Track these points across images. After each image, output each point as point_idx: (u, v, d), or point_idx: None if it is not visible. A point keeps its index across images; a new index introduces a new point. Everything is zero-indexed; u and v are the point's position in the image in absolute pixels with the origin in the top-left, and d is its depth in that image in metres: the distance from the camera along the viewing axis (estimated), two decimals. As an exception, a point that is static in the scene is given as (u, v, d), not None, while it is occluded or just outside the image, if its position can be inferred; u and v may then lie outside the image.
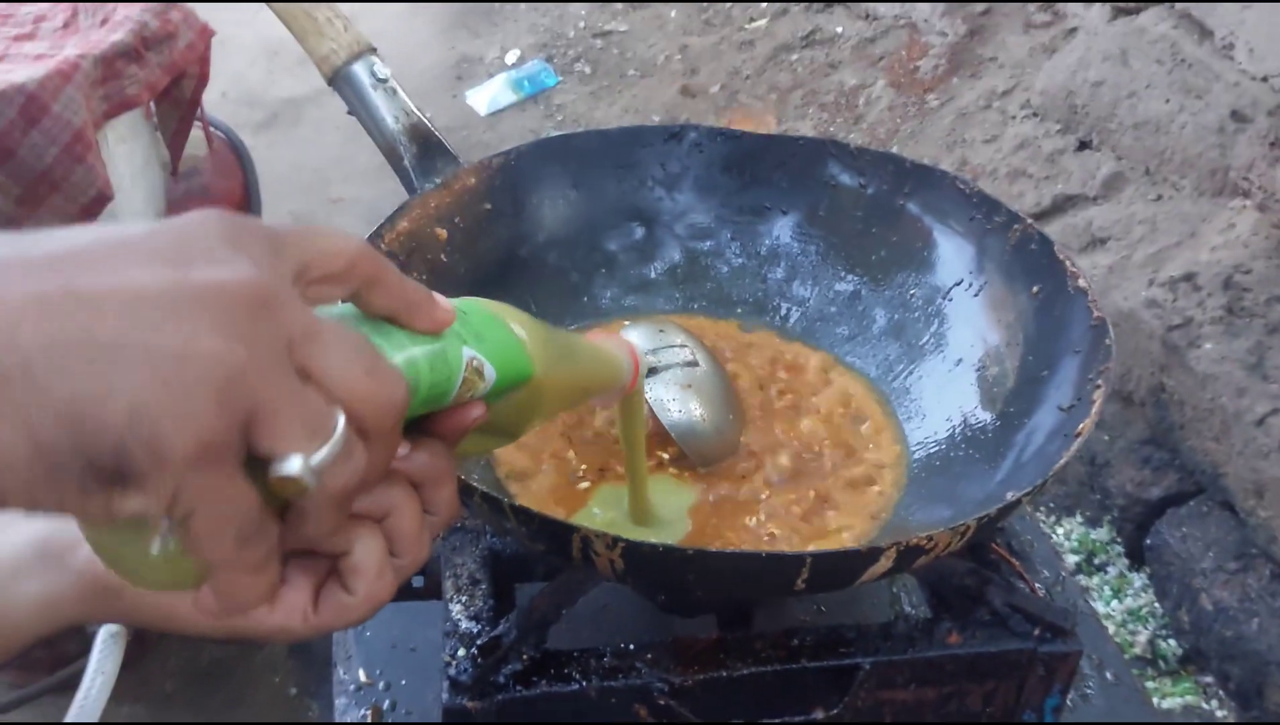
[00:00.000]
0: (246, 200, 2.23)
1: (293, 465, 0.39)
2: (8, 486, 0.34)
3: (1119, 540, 2.05)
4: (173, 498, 0.36)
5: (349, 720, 1.05)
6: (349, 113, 1.02)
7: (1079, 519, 2.09)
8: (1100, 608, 1.99)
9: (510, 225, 1.05)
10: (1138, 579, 2.01)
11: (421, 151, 1.01)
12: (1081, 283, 0.93)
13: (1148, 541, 1.99)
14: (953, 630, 0.87)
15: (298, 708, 2.00)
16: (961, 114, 2.54)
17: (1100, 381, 0.86)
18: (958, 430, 0.96)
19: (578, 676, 0.83)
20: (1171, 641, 1.92)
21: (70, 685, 1.83)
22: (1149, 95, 2.25)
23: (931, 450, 0.96)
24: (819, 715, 0.83)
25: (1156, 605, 1.96)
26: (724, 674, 0.82)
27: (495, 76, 3.49)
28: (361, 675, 1.07)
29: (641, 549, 0.72)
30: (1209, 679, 1.88)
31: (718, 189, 1.10)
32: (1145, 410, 2.01)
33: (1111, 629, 1.96)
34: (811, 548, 0.87)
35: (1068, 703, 1.10)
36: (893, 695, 0.86)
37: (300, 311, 0.40)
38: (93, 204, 1.55)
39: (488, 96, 3.40)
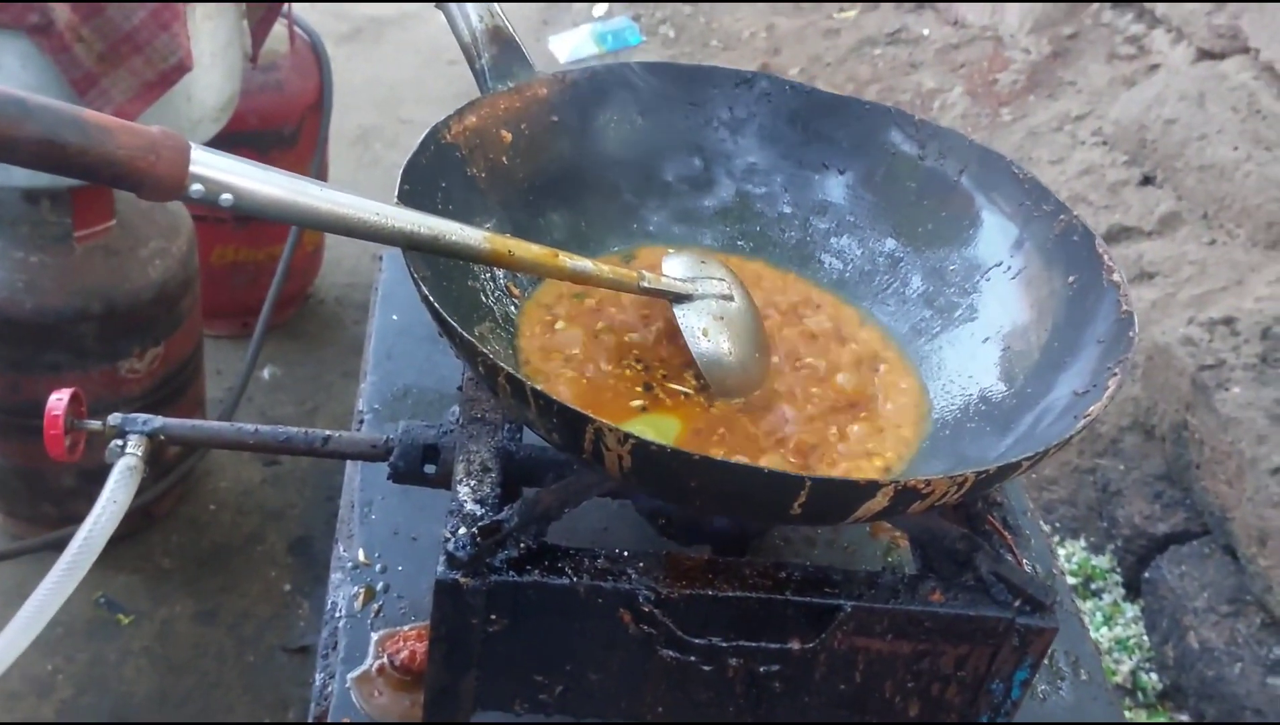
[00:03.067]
0: (319, 103, 2.27)
1: None
2: None
3: (1118, 569, 2.06)
4: None
5: (340, 596, 1.08)
6: (436, 4, 1.05)
7: (1083, 543, 2.10)
8: (1090, 633, 2.00)
9: (574, 140, 1.08)
10: (1130, 609, 2.02)
11: (500, 54, 1.03)
12: (1116, 277, 0.95)
13: (1146, 574, 2.00)
14: (936, 589, 0.89)
15: (290, 603, 2.05)
16: (1032, 132, 2.54)
17: (1117, 370, 0.88)
18: (973, 401, 0.98)
19: (570, 572, 0.85)
20: (1154, 675, 1.93)
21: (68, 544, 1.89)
22: (1219, 140, 2.25)
23: (946, 416, 0.98)
24: (794, 645, 0.86)
25: (1145, 638, 1.97)
26: (710, 593, 0.85)
27: (580, 26, 3.51)
28: (360, 555, 1.10)
29: (649, 448, 0.74)
30: (1184, 718, 1.89)
31: (780, 139, 1.12)
32: (1165, 446, 2.02)
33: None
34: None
35: (1039, 693, 1.12)
36: (869, 643, 0.89)
37: None
38: (171, 72, 1.58)
39: (570, 45, 3.42)
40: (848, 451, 0.95)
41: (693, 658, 0.86)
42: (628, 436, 0.75)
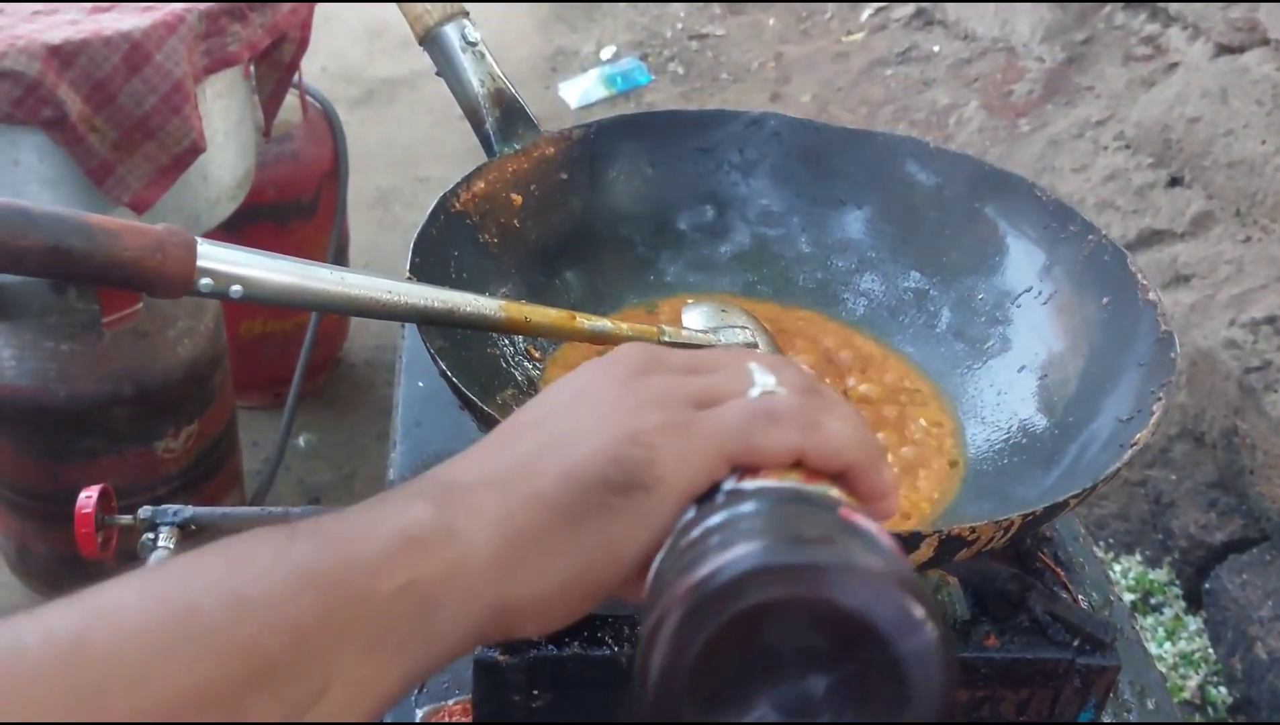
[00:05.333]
0: (335, 170, 2.28)
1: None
2: None
3: (1177, 582, 2.01)
4: None
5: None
6: (437, 73, 1.04)
7: (1138, 558, 2.05)
8: (1153, 649, 1.95)
9: (584, 197, 1.07)
10: (1193, 623, 1.97)
11: (504, 117, 1.03)
12: (1152, 296, 0.92)
13: (1206, 586, 1.95)
14: (990, 633, 0.86)
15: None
16: (1052, 141, 2.51)
17: (1161, 394, 0.85)
18: (1013, 435, 0.95)
19: (610, 641, 0.83)
20: (1222, 689, 1.88)
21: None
22: (1246, 135, 2.21)
23: (985, 453, 0.95)
24: (846, 703, 0.83)
25: (1210, 651, 1.92)
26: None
27: (589, 71, 3.52)
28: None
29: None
30: (1257, 731, 1.84)
31: (793, 178, 1.11)
32: (1216, 452, 1.97)
33: (1162, 672, 1.92)
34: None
35: (1104, 722, 1.09)
36: (923, 693, 0.86)
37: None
38: (185, 155, 1.59)
39: (580, 90, 3.43)
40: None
41: None
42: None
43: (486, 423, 0.80)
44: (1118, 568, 2.04)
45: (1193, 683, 1.91)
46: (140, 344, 1.80)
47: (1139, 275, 0.94)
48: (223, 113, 1.70)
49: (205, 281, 0.75)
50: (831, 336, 1.03)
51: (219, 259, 0.75)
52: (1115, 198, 2.34)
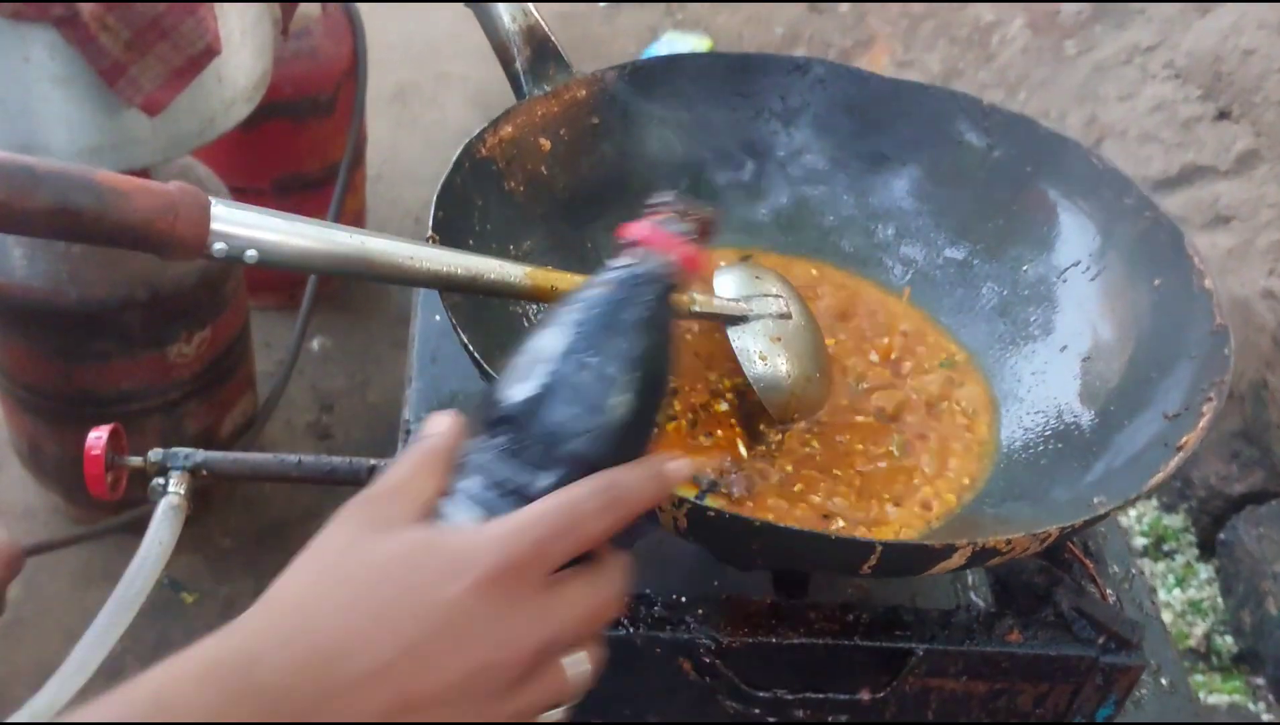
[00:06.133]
0: (354, 68, 2.21)
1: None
2: None
3: (1192, 530, 1.99)
4: None
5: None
6: (467, 3, 0.99)
7: (1154, 503, 2.03)
8: (1162, 594, 1.95)
9: (616, 143, 1.02)
10: (1204, 571, 1.96)
11: (535, 55, 0.97)
12: (1208, 284, 0.88)
13: (1221, 536, 1.93)
14: (1014, 628, 0.84)
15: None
16: (1098, 67, 2.42)
17: (1213, 394, 0.81)
18: (1052, 421, 0.92)
19: (626, 622, 0.81)
20: (1229, 638, 1.88)
21: (131, 528, 1.88)
22: (1302, 71, 2.12)
23: (1021, 439, 0.92)
24: (864, 697, 0.82)
25: (1219, 600, 1.91)
26: (773, 640, 0.81)
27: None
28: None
29: (706, 513, 0.70)
30: (1260, 681, 1.84)
31: (837, 130, 1.05)
32: (1243, 404, 1.93)
33: (1169, 618, 1.92)
34: (878, 533, 0.84)
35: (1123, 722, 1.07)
36: (942, 683, 0.84)
37: None
38: (200, 57, 1.53)
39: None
40: (914, 476, 0.89)
41: (757, 710, 0.82)
42: (683, 501, 0.70)
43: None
44: (1133, 512, 2.02)
45: (1199, 630, 1.90)
46: (153, 247, 1.77)
47: (1195, 259, 0.89)
48: (239, 12, 1.63)
49: (219, 246, 0.71)
50: (872, 302, 0.99)
51: (234, 221, 0.72)
52: (1160, 130, 2.26)
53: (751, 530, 0.70)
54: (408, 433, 1.23)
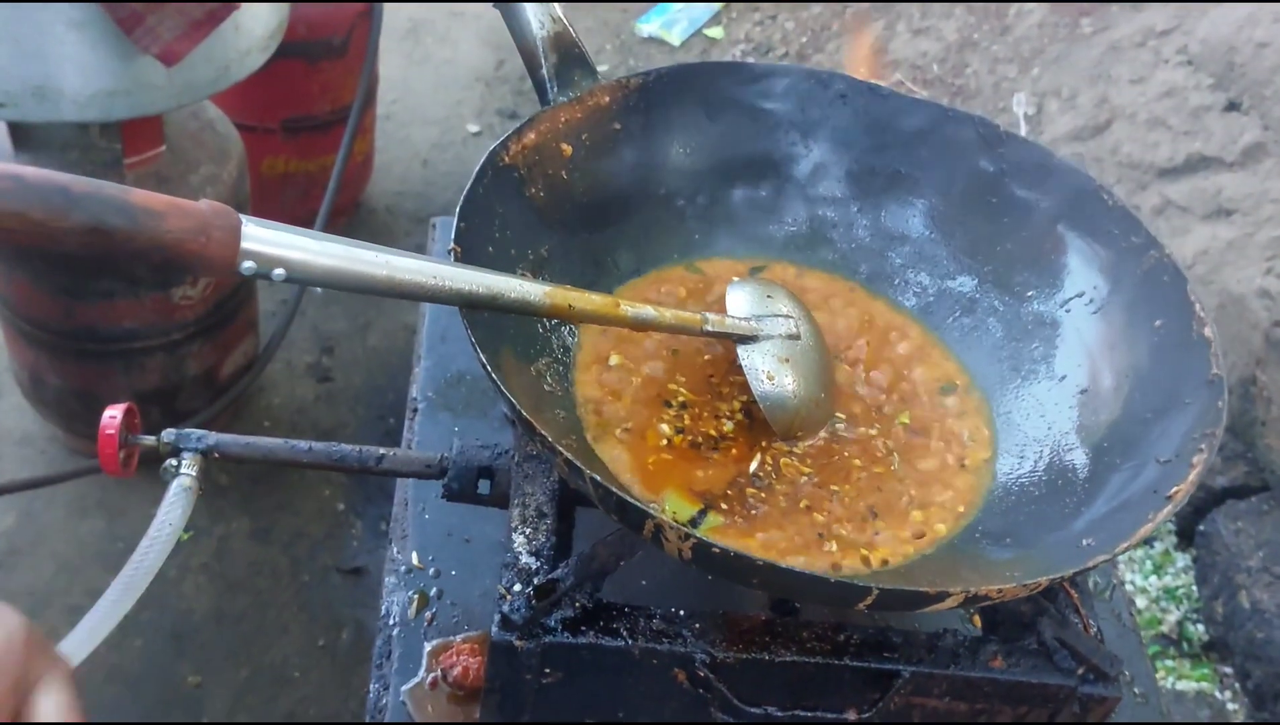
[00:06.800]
0: (369, 10, 2.19)
1: None
2: None
3: (1173, 518, 2.03)
4: None
5: (394, 602, 1.08)
6: (495, 4, 0.99)
7: (1137, 489, 2.07)
8: (1138, 580, 2.00)
9: (638, 150, 1.03)
10: (1181, 559, 2.00)
11: (561, 61, 0.98)
12: (1207, 332, 0.90)
13: (1200, 527, 1.97)
14: (998, 654, 0.87)
15: (343, 523, 2.08)
16: (1113, 47, 2.41)
17: (1204, 445, 0.84)
18: (1047, 453, 0.94)
19: (625, 633, 0.84)
20: (1200, 627, 1.93)
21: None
22: (1316, 68, 2.12)
23: (1017, 470, 0.94)
24: (850, 716, 0.85)
25: (1194, 589, 1.96)
26: (766, 657, 0.84)
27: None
28: (414, 558, 1.10)
29: (711, 549, 0.72)
30: (1228, 670, 1.89)
31: (854, 145, 1.06)
32: (1230, 399, 1.96)
33: (1143, 604, 1.97)
34: (876, 563, 0.87)
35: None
36: (924, 702, 0.88)
37: None
38: (220, 10, 1.53)
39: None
40: (910, 500, 0.92)
41: None
42: (689, 534, 0.73)
43: (524, 428, 0.79)
44: (1115, 497, 2.06)
45: (1172, 618, 1.96)
46: (161, 189, 1.75)
47: (1197, 305, 0.91)
48: (258, -38, 1.62)
49: (248, 264, 0.73)
50: (879, 322, 1.01)
51: (264, 241, 0.73)
52: (1169, 116, 2.26)
53: (753, 568, 0.72)
54: (414, 412, 1.25)
